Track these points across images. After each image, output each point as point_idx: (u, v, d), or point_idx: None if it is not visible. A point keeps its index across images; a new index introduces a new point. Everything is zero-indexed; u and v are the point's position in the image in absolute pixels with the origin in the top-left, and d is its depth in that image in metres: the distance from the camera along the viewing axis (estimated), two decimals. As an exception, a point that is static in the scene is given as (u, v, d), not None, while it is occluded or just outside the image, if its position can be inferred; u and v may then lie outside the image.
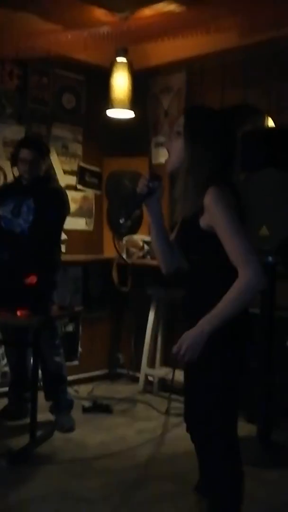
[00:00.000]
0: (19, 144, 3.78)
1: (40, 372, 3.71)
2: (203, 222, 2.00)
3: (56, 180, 4.50)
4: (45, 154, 3.80)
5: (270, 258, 3.44)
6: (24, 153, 3.68)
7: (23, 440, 3.44)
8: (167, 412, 4.19)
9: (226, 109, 4.42)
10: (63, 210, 3.84)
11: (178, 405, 4.39)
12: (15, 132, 4.45)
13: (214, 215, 1.95)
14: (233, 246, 1.92)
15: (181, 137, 2.04)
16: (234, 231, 1.93)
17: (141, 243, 4.83)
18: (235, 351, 2.09)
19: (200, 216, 2.00)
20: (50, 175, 4.17)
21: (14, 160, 3.75)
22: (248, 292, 1.92)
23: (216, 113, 2.13)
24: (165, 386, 4.73)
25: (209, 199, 1.95)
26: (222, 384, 2.08)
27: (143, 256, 4.77)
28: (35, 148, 3.71)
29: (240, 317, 2.00)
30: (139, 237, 4.87)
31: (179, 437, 3.74)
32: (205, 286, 2.06)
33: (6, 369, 4.29)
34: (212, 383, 2.08)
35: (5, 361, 4.32)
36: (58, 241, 3.93)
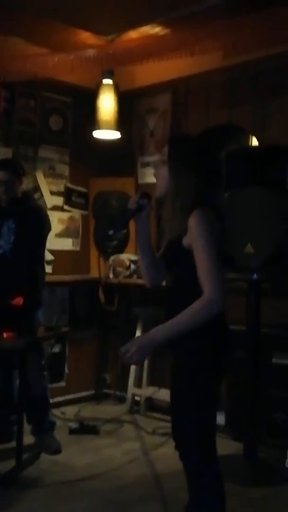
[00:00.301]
0: None
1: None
2: (186, 241, 2.12)
3: (34, 200, 4.51)
4: (21, 174, 3.82)
5: (255, 275, 3.47)
6: (0, 175, 3.70)
7: (9, 463, 3.39)
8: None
9: (207, 132, 4.50)
10: (43, 228, 3.85)
11: (165, 424, 4.38)
12: (2, 154, 4.45)
13: (194, 235, 2.08)
14: (204, 267, 2.04)
15: (166, 165, 2.20)
16: (208, 254, 2.05)
17: (127, 263, 4.84)
18: (212, 373, 2.14)
19: (183, 235, 2.12)
20: (28, 195, 4.19)
21: None
22: (206, 311, 2.02)
23: (198, 140, 2.31)
24: (152, 406, 4.71)
25: (193, 221, 2.08)
26: (199, 404, 2.13)
27: (130, 276, 4.78)
28: (10, 169, 3.73)
29: (219, 338, 2.11)
30: (126, 256, 4.88)
31: (166, 456, 3.72)
32: (185, 301, 2.11)
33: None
34: (189, 403, 2.13)
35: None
36: (42, 260, 3.93)
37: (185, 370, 2.11)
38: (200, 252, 2.05)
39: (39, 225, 3.81)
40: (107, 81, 4.53)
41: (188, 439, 2.17)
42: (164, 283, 2.38)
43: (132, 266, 4.84)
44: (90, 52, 4.05)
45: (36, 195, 4.75)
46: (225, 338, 2.16)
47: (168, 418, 4.47)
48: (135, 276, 4.76)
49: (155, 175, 2.28)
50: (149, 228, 2.31)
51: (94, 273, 5.08)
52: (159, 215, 2.30)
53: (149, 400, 4.71)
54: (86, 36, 4.14)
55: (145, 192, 2.29)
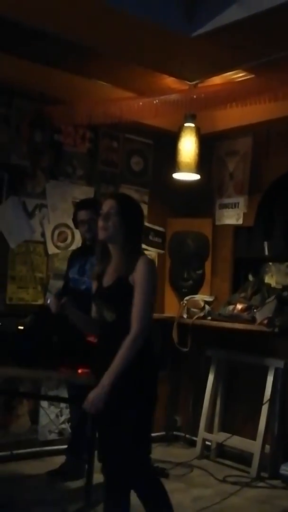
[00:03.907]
0: (76, 207, 3.95)
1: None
2: (132, 279, 2.52)
3: None
4: None
5: None
6: (82, 215, 3.85)
7: (77, 502, 3.39)
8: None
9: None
10: None
11: (236, 472, 4.27)
12: (84, 192, 4.61)
13: (139, 277, 2.51)
14: (138, 306, 2.49)
15: (116, 217, 2.58)
16: (146, 297, 2.51)
17: (202, 303, 4.82)
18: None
19: (129, 274, 2.53)
20: None
21: (76, 223, 3.95)
22: (134, 346, 2.47)
23: (136, 200, 2.84)
24: (223, 452, 4.60)
25: (141, 265, 2.52)
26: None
27: (204, 317, 4.75)
28: (90, 209, 3.84)
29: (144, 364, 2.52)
30: (200, 297, 4.86)
31: (237, 507, 3.62)
32: (127, 331, 2.51)
33: (64, 426, 4.30)
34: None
35: (63, 418, 4.33)
36: None
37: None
38: (139, 293, 2.49)
39: None
40: (189, 124, 4.60)
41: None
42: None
43: (207, 307, 4.81)
44: (174, 96, 4.12)
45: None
46: (150, 363, 2.60)
47: (240, 466, 4.39)
48: (209, 317, 4.72)
49: (103, 223, 2.60)
50: (77, 311, 2.79)
51: (168, 312, 5.08)
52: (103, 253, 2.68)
53: (221, 446, 4.60)
54: (170, 81, 4.24)
55: (56, 293, 2.99)
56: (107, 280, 2.65)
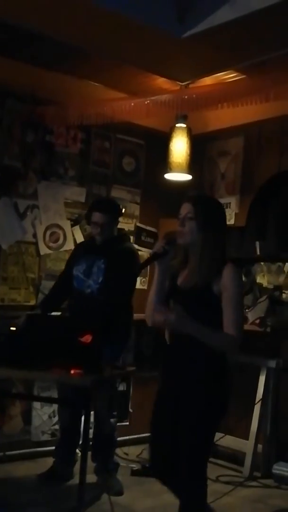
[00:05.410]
0: (91, 207, 3.85)
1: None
2: (216, 288, 2.47)
3: (129, 242, 4.21)
4: (117, 215, 3.82)
5: None
6: (96, 217, 3.71)
7: (70, 502, 3.38)
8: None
9: (281, 176, 4.50)
10: (131, 271, 3.65)
11: (229, 472, 4.28)
12: (76, 193, 4.61)
13: (228, 286, 2.45)
14: (232, 316, 2.45)
15: (193, 221, 2.51)
16: (239, 306, 2.52)
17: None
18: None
19: (212, 282, 2.47)
20: (124, 235, 4.12)
21: (88, 222, 3.85)
22: (230, 345, 2.50)
23: (217, 201, 2.71)
24: (215, 452, 4.60)
25: (228, 274, 2.46)
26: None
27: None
28: (106, 211, 3.72)
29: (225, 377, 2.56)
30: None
31: (230, 506, 3.63)
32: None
33: (57, 427, 4.29)
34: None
35: (55, 419, 4.32)
36: (129, 302, 3.83)
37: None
38: (232, 302, 2.45)
39: (128, 268, 3.67)
40: (180, 125, 4.60)
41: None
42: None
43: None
44: (165, 97, 4.12)
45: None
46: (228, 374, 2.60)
47: (233, 466, 4.40)
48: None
49: (180, 228, 2.54)
50: (167, 271, 2.61)
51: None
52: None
53: (213, 446, 4.60)
54: (161, 82, 4.25)
55: (170, 238, 2.58)
56: (183, 282, 2.58)
